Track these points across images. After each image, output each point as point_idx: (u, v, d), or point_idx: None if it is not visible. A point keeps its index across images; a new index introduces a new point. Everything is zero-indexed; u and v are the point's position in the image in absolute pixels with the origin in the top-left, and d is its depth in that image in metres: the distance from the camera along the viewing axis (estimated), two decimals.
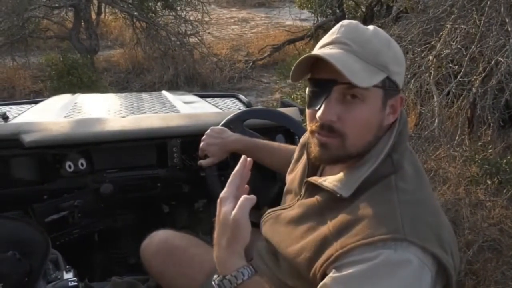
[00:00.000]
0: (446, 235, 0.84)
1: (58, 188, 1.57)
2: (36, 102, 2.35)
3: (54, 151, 1.56)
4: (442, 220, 0.87)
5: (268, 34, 8.01)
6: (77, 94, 2.49)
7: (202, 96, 2.43)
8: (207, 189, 1.49)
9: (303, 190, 0.99)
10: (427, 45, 3.37)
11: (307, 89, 0.92)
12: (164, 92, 2.50)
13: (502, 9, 2.86)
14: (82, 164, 1.58)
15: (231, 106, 2.24)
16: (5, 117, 1.88)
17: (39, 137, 1.50)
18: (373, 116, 0.87)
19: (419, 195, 0.86)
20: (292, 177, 1.10)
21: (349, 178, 0.88)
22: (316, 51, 0.89)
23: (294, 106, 1.85)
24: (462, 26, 3.09)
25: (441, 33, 3.24)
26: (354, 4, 6.96)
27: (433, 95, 3.18)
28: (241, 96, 2.39)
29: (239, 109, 1.82)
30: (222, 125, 1.51)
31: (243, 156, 0.95)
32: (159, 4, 6.48)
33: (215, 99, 2.38)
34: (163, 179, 1.66)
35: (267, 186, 1.47)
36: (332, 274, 0.79)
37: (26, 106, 2.24)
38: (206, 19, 6.76)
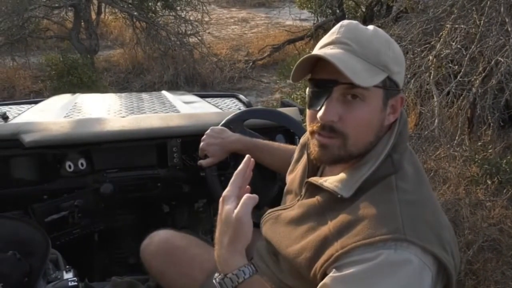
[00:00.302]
0: (446, 235, 0.84)
1: (58, 188, 1.57)
2: (36, 102, 2.35)
3: (54, 151, 1.56)
4: (442, 220, 0.87)
5: (268, 34, 8.01)
6: (77, 94, 2.49)
7: (202, 96, 2.43)
8: (207, 189, 1.48)
9: (303, 191, 0.99)
10: (427, 45, 3.37)
11: (307, 89, 0.92)
12: (164, 92, 2.50)
13: (502, 9, 2.86)
14: (82, 164, 1.59)
15: (231, 106, 2.24)
16: (5, 117, 1.88)
17: (39, 137, 1.50)
18: (374, 116, 0.87)
19: (419, 195, 0.86)
20: (292, 177, 1.10)
21: (350, 178, 0.88)
22: (317, 51, 0.89)
23: (294, 106, 1.85)
24: (462, 26, 3.09)
25: (441, 33, 3.24)
26: (354, 4, 6.96)
27: (433, 95, 3.18)
28: (241, 96, 2.39)
29: (239, 109, 1.82)
30: (222, 125, 1.51)
31: (247, 156, 0.95)
32: (159, 4, 6.48)
33: (215, 99, 2.38)
34: (163, 179, 1.66)
35: (267, 186, 1.46)
36: (332, 274, 0.79)
37: (26, 106, 2.24)
38: (206, 19, 6.76)
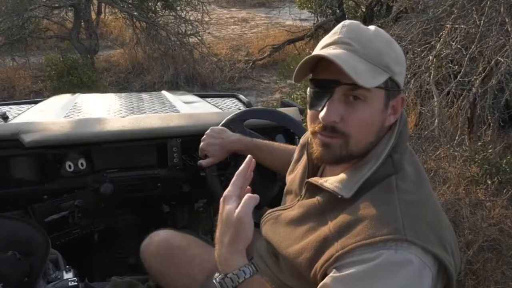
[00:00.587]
0: (446, 235, 0.84)
1: (58, 188, 1.57)
2: (36, 102, 2.35)
3: (54, 151, 1.56)
4: (443, 220, 0.87)
5: (268, 34, 8.01)
6: (77, 94, 2.49)
7: (202, 96, 2.43)
8: (207, 189, 1.48)
9: (303, 191, 0.99)
10: (427, 45, 3.37)
11: (308, 89, 0.91)
12: (164, 92, 2.50)
13: (502, 9, 2.86)
14: (82, 164, 1.59)
15: (231, 106, 2.24)
16: (5, 117, 1.88)
17: (39, 137, 1.50)
18: (375, 117, 0.87)
19: (419, 195, 0.86)
20: (292, 177, 1.10)
21: (350, 179, 0.88)
22: (319, 51, 0.88)
23: (294, 106, 1.85)
24: (462, 26, 3.09)
25: (441, 33, 3.24)
26: (354, 4, 6.96)
27: (433, 95, 3.18)
28: (241, 96, 2.39)
29: (239, 109, 1.82)
30: (222, 125, 1.51)
31: (248, 156, 0.95)
32: (159, 4, 6.48)
33: (215, 99, 2.38)
34: (163, 179, 1.66)
35: (267, 186, 1.46)
36: (332, 274, 0.79)
37: (26, 106, 2.24)
38: (206, 19, 6.76)
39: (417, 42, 3.40)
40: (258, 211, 1.23)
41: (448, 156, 3.13)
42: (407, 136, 0.93)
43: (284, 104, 1.96)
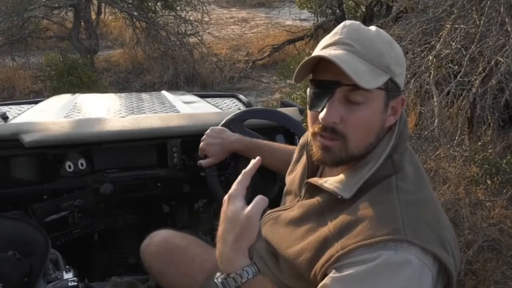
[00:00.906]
0: (447, 235, 0.84)
1: (58, 188, 1.57)
2: (36, 102, 2.35)
3: (54, 151, 1.56)
4: (443, 220, 0.87)
5: (268, 34, 8.01)
6: (77, 94, 2.49)
7: (202, 96, 2.43)
8: (207, 189, 1.48)
9: (303, 191, 0.99)
10: (427, 45, 3.37)
11: (308, 90, 0.91)
12: (164, 92, 2.50)
13: (502, 9, 2.86)
14: (82, 164, 1.59)
15: (231, 106, 2.24)
16: (5, 117, 1.88)
17: (39, 137, 1.50)
18: (375, 118, 0.87)
19: (419, 195, 0.86)
20: (292, 178, 1.10)
21: (350, 179, 0.88)
22: (319, 52, 0.88)
23: (294, 106, 1.85)
24: (462, 26, 3.09)
25: (441, 33, 3.24)
26: (354, 4, 6.96)
27: (433, 95, 3.18)
28: (241, 96, 2.39)
29: (239, 109, 1.82)
30: (222, 125, 1.51)
31: (257, 158, 0.95)
32: (159, 4, 6.48)
33: (215, 99, 2.38)
34: (163, 179, 1.66)
35: (267, 187, 1.46)
36: (332, 274, 0.79)
37: (26, 106, 2.24)
38: (206, 19, 6.76)
39: (417, 42, 3.40)
40: None
41: (448, 156, 3.13)
42: (407, 136, 0.93)
43: (284, 104, 1.96)
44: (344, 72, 0.80)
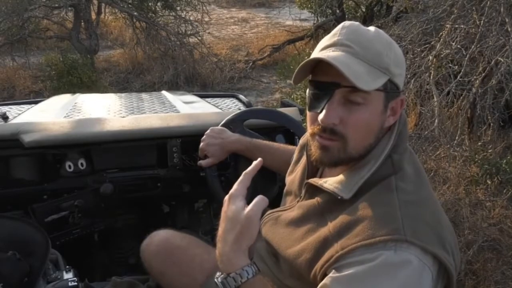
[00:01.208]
0: (447, 235, 0.84)
1: (58, 188, 1.57)
2: (36, 102, 2.36)
3: (54, 151, 1.56)
4: (443, 220, 0.87)
5: (268, 34, 8.01)
6: (77, 94, 2.49)
7: (202, 96, 2.43)
8: (207, 189, 1.49)
9: (303, 192, 0.99)
10: (427, 45, 3.37)
11: (308, 91, 0.91)
12: (164, 92, 2.50)
13: (502, 9, 2.86)
14: (82, 164, 1.59)
15: (231, 106, 2.24)
16: (5, 117, 1.88)
17: (39, 137, 1.50)
18: (375, 119, 0.87)
19: (419, 195, 0.86)
20: (292, 178, 1.10)
21: (350, 180, 0.88)
22: (318, 53, 0.88)
23: (294, 106, 1.85)
24: (462, 26, 3.09)
25: (441, 33, 3.24)
26: (354, 4, 6.96)
27: (433, 95, 3.18)
28: (241, 96, 2.39)
29: (239, 109, 1.82)
30: (222, 125, 1.51)
31: (259, 159, 0.95)
32: (159, 4, 6.48)
33: (215, 99, 2.38)
34: (163, 179, 1.66)
35: (267, 187, 1.46)
36: (332, 274, 0.79)
37: (26, 106, 2.24)
38: (206, 19, 6.76)
39: (417, 42, 3.40)
40: None
41: (448, 156, 3.13)
42: (406, 136, 0.93)
43: (284, 104, 1.96)
44: (343, 74, 0.80)
